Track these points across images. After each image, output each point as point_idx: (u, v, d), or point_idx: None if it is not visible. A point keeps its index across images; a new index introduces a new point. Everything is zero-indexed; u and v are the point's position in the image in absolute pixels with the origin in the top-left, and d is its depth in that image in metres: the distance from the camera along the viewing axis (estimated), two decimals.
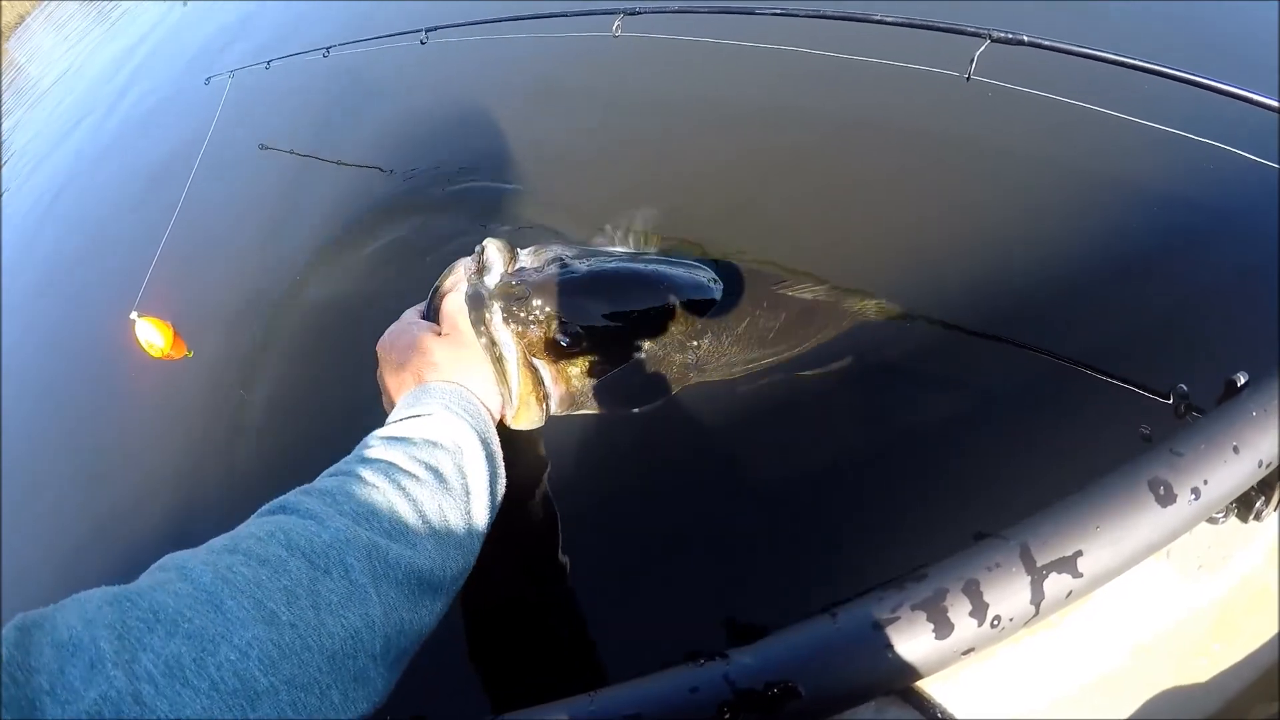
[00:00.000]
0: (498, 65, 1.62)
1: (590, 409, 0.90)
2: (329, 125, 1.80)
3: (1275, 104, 0.80)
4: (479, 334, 0.87)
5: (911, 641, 0.56)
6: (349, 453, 0.73)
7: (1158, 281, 0.88)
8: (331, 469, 0.70)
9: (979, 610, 0.57)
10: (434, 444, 0.72)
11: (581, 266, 0.94)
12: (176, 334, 1.32)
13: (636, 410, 0.89)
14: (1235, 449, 0.65)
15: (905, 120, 1.09)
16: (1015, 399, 0.87)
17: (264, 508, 0.63)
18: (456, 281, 0.94)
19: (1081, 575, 0.59)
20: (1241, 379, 0.70)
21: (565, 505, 0.88)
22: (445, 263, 0.97)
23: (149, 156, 2.15)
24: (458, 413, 0.77)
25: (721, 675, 0.56)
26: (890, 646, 0.55)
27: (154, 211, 1.75)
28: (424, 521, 0.66)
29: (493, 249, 0.94)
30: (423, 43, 1.44)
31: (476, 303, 0.89)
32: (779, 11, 1.01)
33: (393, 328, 0.92)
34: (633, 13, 1.13)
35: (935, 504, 0.81)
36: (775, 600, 0.75)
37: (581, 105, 1.44)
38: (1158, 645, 0.67)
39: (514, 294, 0.90)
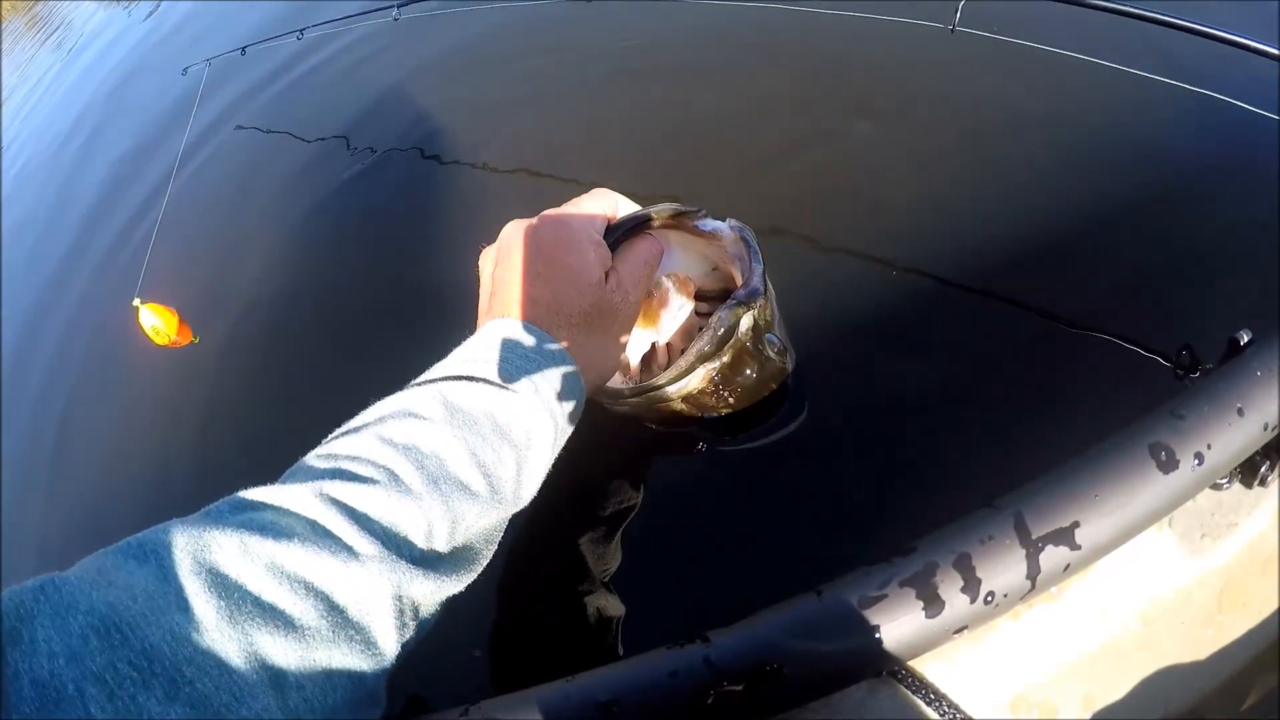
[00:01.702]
0: (471, 37, 1.57)
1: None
2: (310, 107, 1.77)
3: (1275, 51, 0.76)
4: (710, 342, 0.68)
5: (901, 620, 0.52)
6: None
7: (1156, 236, 0.83)
8: (370, 437, 0.54)
9: (971, 586, 0.53)
10: (503, 434, 0.57)
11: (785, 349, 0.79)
12: (181, 320, 1.27)
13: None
14: (1240, 411, 0.62)
15: (891, 74, 1.04)
16: (1014, 361, 0.83)
17: (281, 497, 0.50)
18: (675, 236, 0.76)
19: (1080, 547, 0.56)
20: (1245, 337, 0.66)
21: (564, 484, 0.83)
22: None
23: (132, 150, 2.10)
24: (548, 398, 0.60)
25: (702, 658, 0.52)
26: (878, 626, 0.52)
27: (145, 202, 1.71)
28: (461, 539, 0.55)
29: (760, 264, 0.74)
30: (395, 19, 1.39)
31: (732, 318, 0.70)
32: None
33: (559, 223, 0.66)
34: None
35: (933, 477, 0.78)
36: (777, 577, 0.72)
37: (557, 73, 1.39)
38: (1161, 617, 0.63)
39: (759, 343, 0.74)
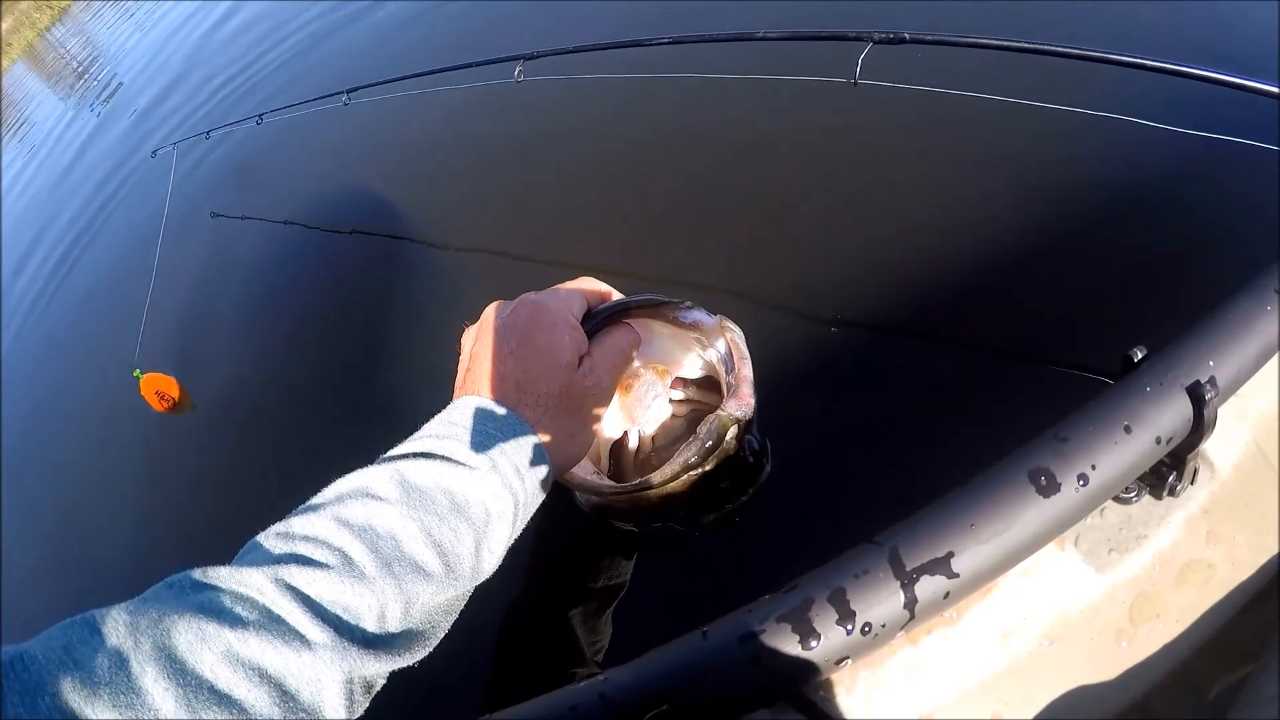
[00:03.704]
0: (418, 121, 1.66)
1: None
2: (265, 187, 1.89)
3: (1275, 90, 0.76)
4: (691, 441, 0.67)
5: (780, 654, 0.54)
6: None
7: (1083, 264, 0.82)
8: (326, 517, 0.54)
9: (846, 618, 0.55)
10: (460, 512, 0.56)
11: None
12: (181, 388, 1.38)
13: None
14: (1127, 428, 0.61)
15: (802, 131, 1.06)
16: (944, 398, 0.83)
17: (238, 580, 0.50)
18: (658, 326, 0.75)
19: (958, 575, 0.57)
20: (1139, 354, 0.66)
21: None
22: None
23: (115, 232, 2.25)
24: (508, 475, 0.58)
25: (598, 694, 0.56)
26: (757, 660, 0.55)
27: (134, 279, 1.84)
28: (417, 618, 0.54)
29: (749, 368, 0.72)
30: (346, 104, 1.49)
31: (720, 429, 0.69)
32: (668, 40, 1.00)
33: (537, 305, 0.66)
34: (531, 56, 1.15)
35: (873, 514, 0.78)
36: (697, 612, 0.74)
37: (495, 153, 1.46)
38: (1069, 634, 0.63)
39: (741, 449, 0.72)
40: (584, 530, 0.85)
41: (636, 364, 0.78)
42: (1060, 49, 0.77)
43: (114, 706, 0.42)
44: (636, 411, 0.79)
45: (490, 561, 0.59)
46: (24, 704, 0.40)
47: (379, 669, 0.52)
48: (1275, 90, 0.76)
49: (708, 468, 0.70)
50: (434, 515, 0.55)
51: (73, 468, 1.54)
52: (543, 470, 0.61)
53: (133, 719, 0.42)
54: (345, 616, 0.50)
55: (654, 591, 0.78)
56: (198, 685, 0.44)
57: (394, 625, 0.53)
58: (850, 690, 0.60)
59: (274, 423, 1.26)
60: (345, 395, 1.18)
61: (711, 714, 0.57)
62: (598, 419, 0.69)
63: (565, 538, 0.85)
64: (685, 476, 0.70)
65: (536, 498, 0.62)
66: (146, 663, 0.44)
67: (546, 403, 0.63)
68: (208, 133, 1.90)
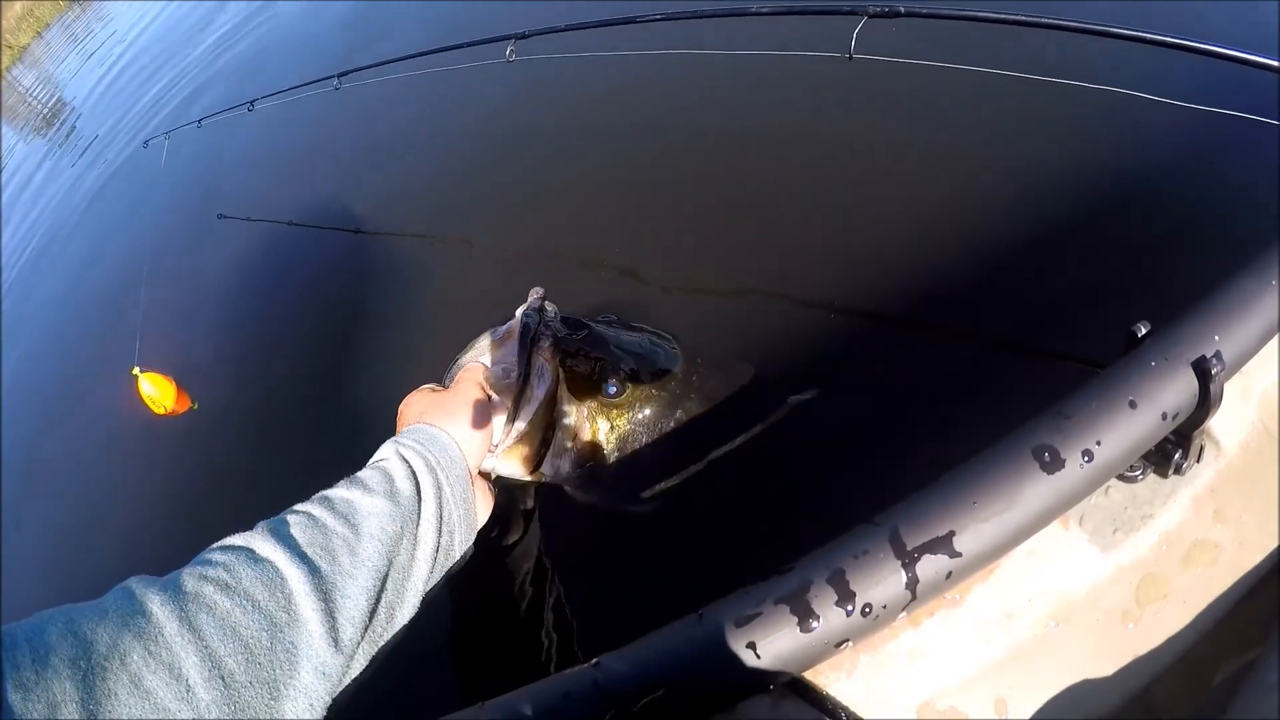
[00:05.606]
0: (409, 102, 1.62)
1: (571, 484, 0.82)
2: (266, 178, 1.85)
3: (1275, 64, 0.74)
4: (522, 366, 0.85)
5: (776, 637, 0.52)
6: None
7: (1076, 240, 0.80)
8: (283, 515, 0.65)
9: (846, 599, 0.53)
10: (387, 476, 0.70)
11: (623, 333, 0.91)
12: (179, 388, 1.36)
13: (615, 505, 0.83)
14: (1132, 404, 0.59)
15: (797, 107, 1.04)
16: (942, 378, 0.81)
17: (234, 540, 0.60)
18: (475, 356, 0.91)
19: (960, 555, 0.55)
20: (1143, 329, 0.64)
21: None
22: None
23: (109, 223, 2.23)
24: (407, 444, 0.75)
25: (591, 681, 0.54)
26: (754, 644, 0.52)
27: (129, 274, 1.81)
28: (372, 536, 0.64)
29: (538, 298, 0.90)
30: (337, 88, 1.46)
31: (526, 329, 0.86)
32: (660, 16, 0.98)
33: (405, 399, 0.89)
34: (523, 36, 1.12)
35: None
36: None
37: (487, 136, 1.43)
38: (1074, 616, 0.61)
39: (571, 330, 0.87)
40: (572, 517, 0.84)
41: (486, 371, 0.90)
42: (1057, 22, 0.75)
43: (120, 625, 0.48)
44: (515, 403, 0.89)
45: (431, 505, 0.70)
46: (34, 628, 0.46)
47: (352, 591, 0.59)
48: (1275, 64, 0.74)
49: (573, 372, 0.87)
50: (369, 470, 0.72)
51: (68, 472, 1.51)
52: (440, 439, 0.78)
53: (140, 634, 0.48)
54: (310, 554, 0.60)
55: (648, 574, 0.76)
56: (197, 608, 0.52)
57: (356, 534, 0.63)
58: (851, 674, 0.58)
59: (275, 421, 1.24)
60: (345, 390, 1.16)
61: (707, 700, 0.55)
62: (467, 406, 0.84)
63: (555, 526, 0.84)
64: (583, 419, 0.85)
65: (450, 460, 0.76)
66: (151, 594, 0.51)
67: (420, 414, 0.82)
68: (199, 121, 1.88)
